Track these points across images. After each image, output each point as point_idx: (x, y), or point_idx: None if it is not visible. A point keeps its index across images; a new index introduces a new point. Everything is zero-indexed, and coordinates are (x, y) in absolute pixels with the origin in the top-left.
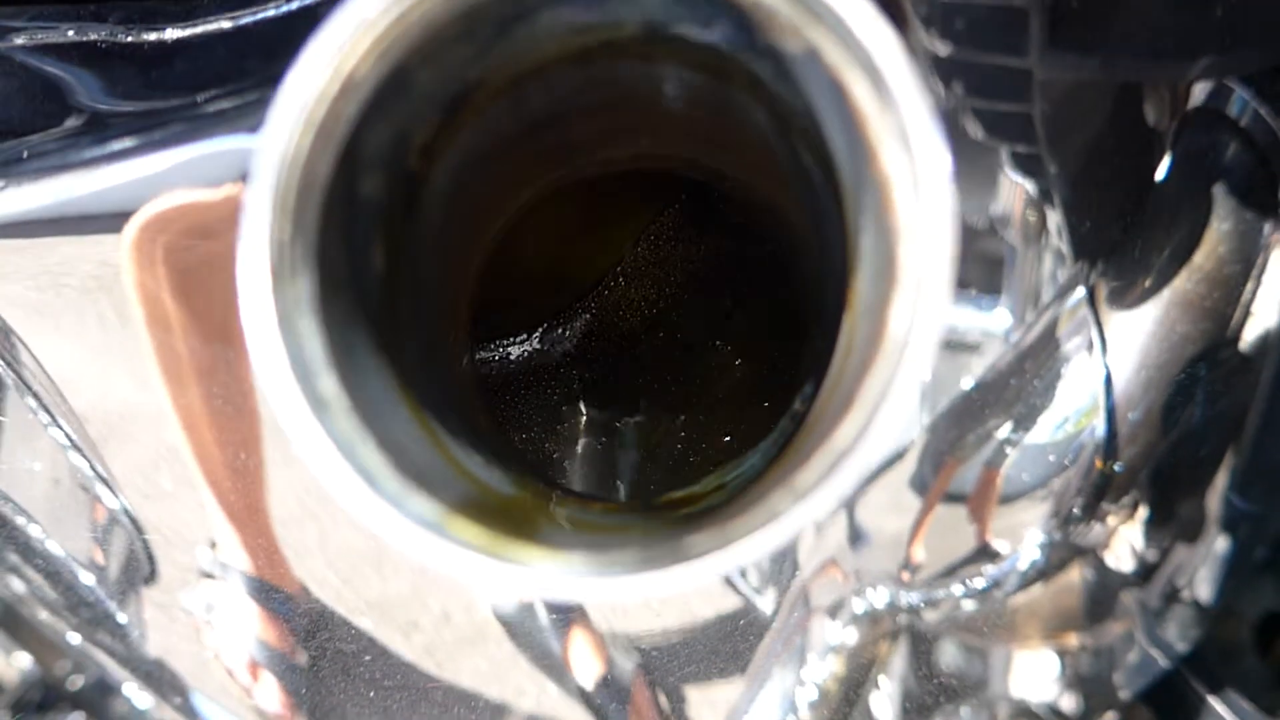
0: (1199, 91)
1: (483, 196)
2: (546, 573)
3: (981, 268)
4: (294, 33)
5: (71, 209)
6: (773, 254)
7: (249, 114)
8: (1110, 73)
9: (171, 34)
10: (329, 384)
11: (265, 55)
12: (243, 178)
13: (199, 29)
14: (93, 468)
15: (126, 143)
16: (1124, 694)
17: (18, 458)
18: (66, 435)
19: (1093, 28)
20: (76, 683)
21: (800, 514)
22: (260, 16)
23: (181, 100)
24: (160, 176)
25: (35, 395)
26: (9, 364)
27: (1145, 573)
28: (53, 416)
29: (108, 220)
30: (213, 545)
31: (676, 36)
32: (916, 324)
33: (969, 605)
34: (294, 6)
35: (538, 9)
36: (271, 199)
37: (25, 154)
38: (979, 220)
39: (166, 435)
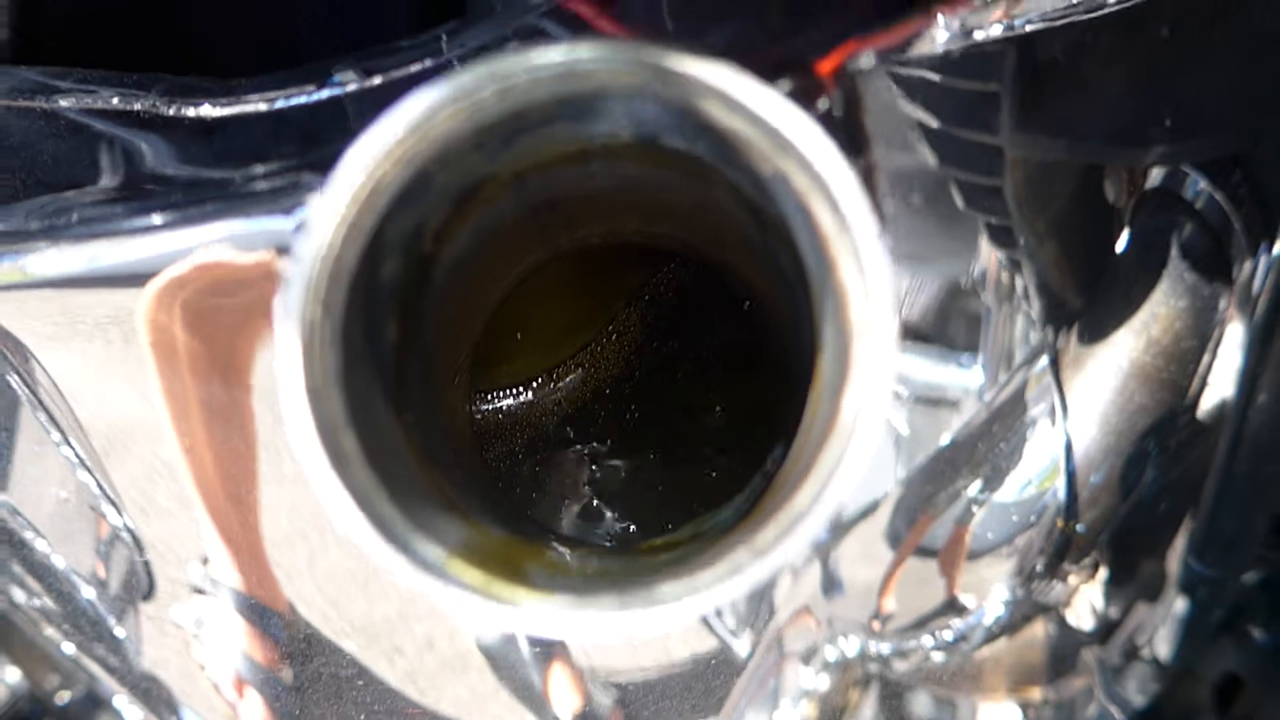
0: (1156, 173)
1: (485, 270)
2: (533, 612)
3: (963, 326)
4: (323, 119)
5: (105, 271)
6: (753, 324)
7: (281, 196)
8: (1073, 154)
9: (210, 111)
10: (349, 441)
11: (298, 139)
12: (269, 248)
13: (236, 109)
14: (99, 486)
15: (164, 217)
16: None
17: (28, 474)
18: (76, 454)
19: (1058, 112)
20: (64, 697)
21: (759, 568)
22: (294, 102)
23: (218, 174)
24: (196, 249)
25: (48, 413)
26: (24, 381)
27: (1105, 631)
28: (64, 435)
29: (138, 279)
30: (205, 561)
31: (665, 146)
32: (864, 410)
33: (938, 657)
34: (324, 95)
35: (540, 124)
36: (305, 286)
37: (69, 219)
38: (964, 280)
39: (164, 451)
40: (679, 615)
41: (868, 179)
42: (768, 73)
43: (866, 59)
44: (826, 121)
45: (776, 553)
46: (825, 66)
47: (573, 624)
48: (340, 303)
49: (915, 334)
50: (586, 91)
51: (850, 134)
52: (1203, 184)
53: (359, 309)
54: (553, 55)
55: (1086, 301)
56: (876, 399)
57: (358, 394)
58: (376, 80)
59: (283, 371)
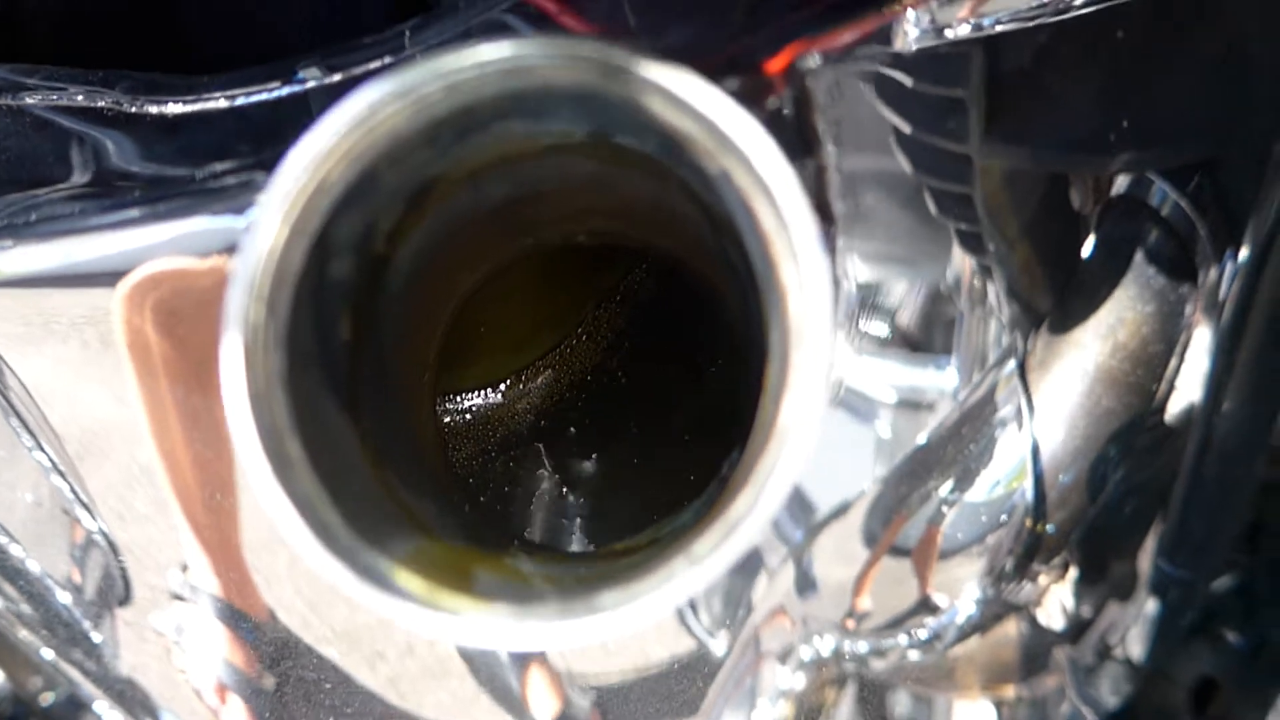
0: (1122, 180)
1: (445, 270)
2: (473, 622)
3: (940, 329)
4: (284, 116)
5: (71, 269)
6: (719, 325)
7: (239, 194)
8: (1039, 162)
9: (173, 108)
10: (294, 447)
11: (257, 136)
12: (229, 250)
13: (198, 106)
14: (73, 490)
15: (129, 213)
16: None
17: (1, 479)
18: (49, 458)
19: (1023, 121)
20: (48, 699)
21: (695, 576)
22: (255, 99)
23: (180, 172)
24: (157, 246)
25: (20, 418)
26: None
27: (1077, 630)
28: (36, 440)
29: (104, 278)
30: (184, 568)
31: (617, 144)
32: (799, 418)
33: (913, 655)
34: (285, 92)
35: (492, 120)
36: (247, 288)
37: (34, 216)
38: (941, 284)
39: (141, 455)
40: (617, 624)
41: (819, 179)
42: (718, 71)
43: (816, 58)
44: (775, 121)
45: (712, 560)
46: (774, 65)
47: (512, 635)
48: (286, 304)
49: (898, 337)
50: (533, 87)
51: (801, 133)
52: (1168, 191)
53: (307, 310)
54: (499, 50)
55: (1054, 306)
56: (810, 405)
57: (305, 397)
58: (337, 77)
59: (225, 375)
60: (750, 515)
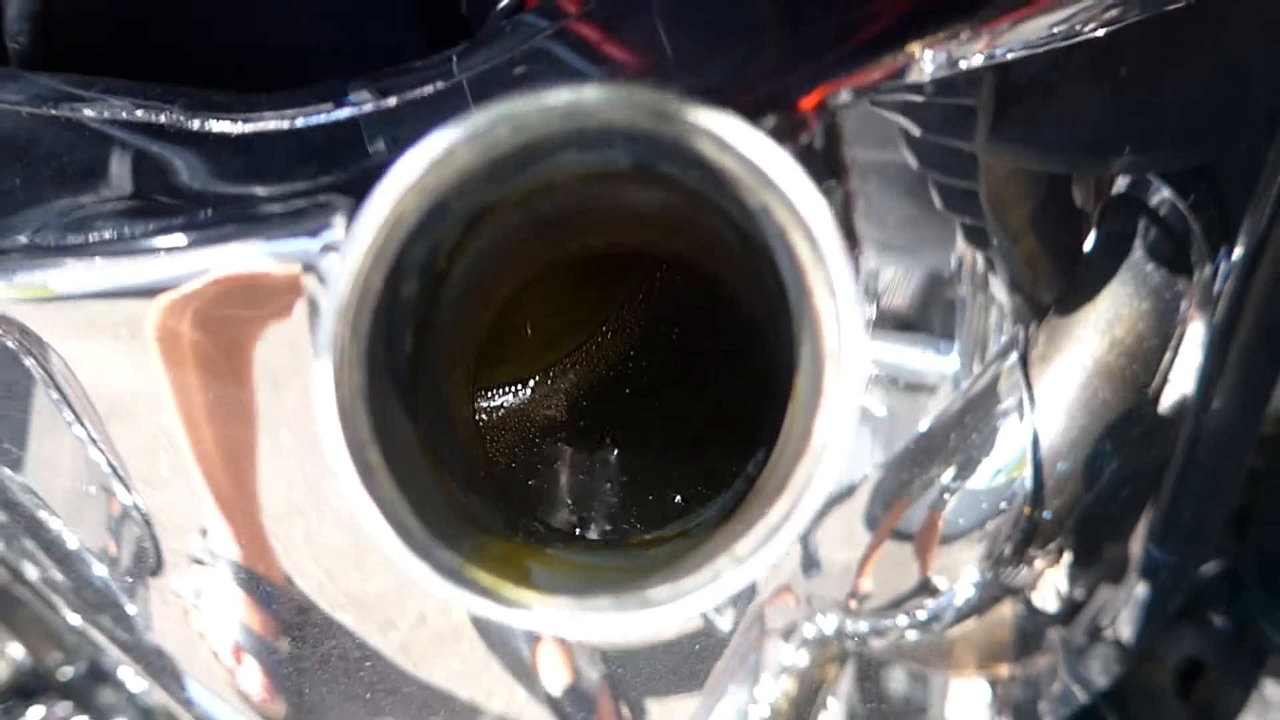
0: (1122, 180)
1: (492, 280)
2: (541, 613)
3: (941, 313)
4: (340, 138)
5: (124, 288)
6: (741, 328)
7: (304, 218)
8: (1043, 163)
9: (231, 128)
10: (374, 455)
11: (318, 158)
12: (305, 267)
13: (257, 126)
14: (110, 465)
15: (186, 236)
16: None
17: (42, 453)
18: (88, 432)
19: (1030, 125)
20: (66, 673)
21: (739, 575)
22: (312, 121)
23: (239, 190)
24: (209, 270)
25: (60, 392)
26: (39, 362)
27: (1070, 613)
28: (76, 414)
29: (153, 292)
30: (204, 533)
31: (662, 173)
32: (832, 435)
33: (912, 635)
34: (341, 115)
35: (548, 155)
36: (338, 311)
37: (96, 236)
38: (944, 268)
39: (165, 422)
40: (666, 616)
41: (846, 205)
42: (754, 109)
43: (846, 95)
44: (807, 154)
45: (754, 561)
46: (807, 103)
47: (575, 624)
48: (367, 325)
49: (898, 320)
50: (591, 127)
51: (830, 164)
52: (1166, 192)
53: (382, 330)
54: (561, 96)
55: (1055, 301)
56: (845, 423)
57: (381, 409)
58: (391, 101)
59: (317, 393)
60: (788, 521)
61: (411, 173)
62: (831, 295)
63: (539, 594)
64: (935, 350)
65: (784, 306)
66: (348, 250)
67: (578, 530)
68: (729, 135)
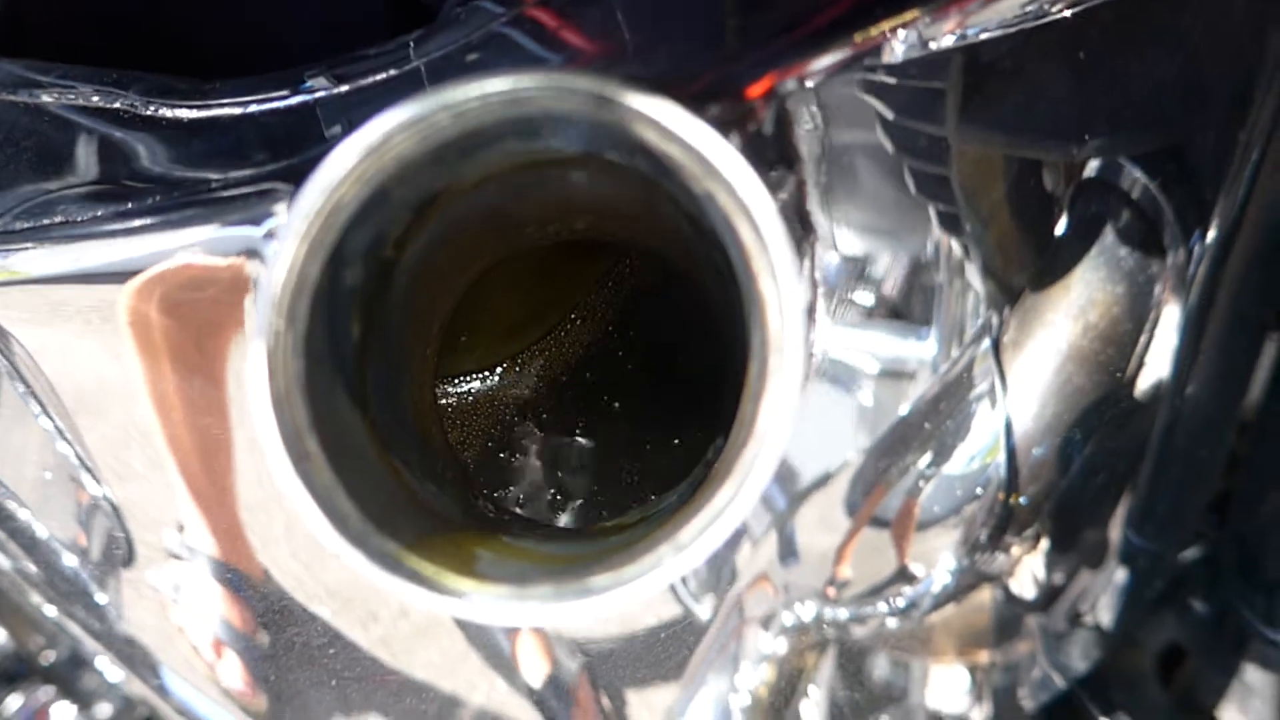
0: (1093, 163)
1: (446, 268)
2: (476, 602)
3: (920, 298)
4: (294, 123)
5: (88, 270)
6: (705, 315)
7: (252, 204)
8: (1013, 147)
9: (186, 113)
10: (312, 443)
11: (270, 144)
12: (246, 254)
13: (211, 111)
14: (78, 456)
15: (144, 219)
16: (1027, 707)
17: (9, 444)
18: (55, 425)
19: (999, 108)
20: (49, 657)
21: (680, 563)
22: (266, 107)
23: (195, 175)
24: (171, 251)
25: (27, 384)
26: (2, 352)
27: (1048, 599)
28: (43, 406)
29: (118, 276)
30: (180, 528)
31: (609, 160)
32: (773, 422)
33: (891, 622)
34: (295, 101)
35: (494, 141)
36: (270, 302)
37: (52, 218)
38: (922, 254)
39: (137, 415)
40: (607, 605)
41: (799, 192)
42: (699, 98)
43: (793, 83)
44: (756, 141)
45: (694, 548)
46: (755, 90)
47: (512, 614)
48: (304, 313)
49: (878, 307)
50: (533, 115)
51: (781, 152)
52: (1138, 174)
53: (321, 317)
54: (501, 84)
55: (1025, 285)
56: (786, 410)
57: (321, 396)
58: (345, 88)
59: (251, 382)
60: (729, 507)
61: (348, 160)
62: (774, 281)
63: (478, 582)
64: (915, 336)
65: (736, 296)
66: (282, 237)
67: (542, 518)
68: (670, 122)
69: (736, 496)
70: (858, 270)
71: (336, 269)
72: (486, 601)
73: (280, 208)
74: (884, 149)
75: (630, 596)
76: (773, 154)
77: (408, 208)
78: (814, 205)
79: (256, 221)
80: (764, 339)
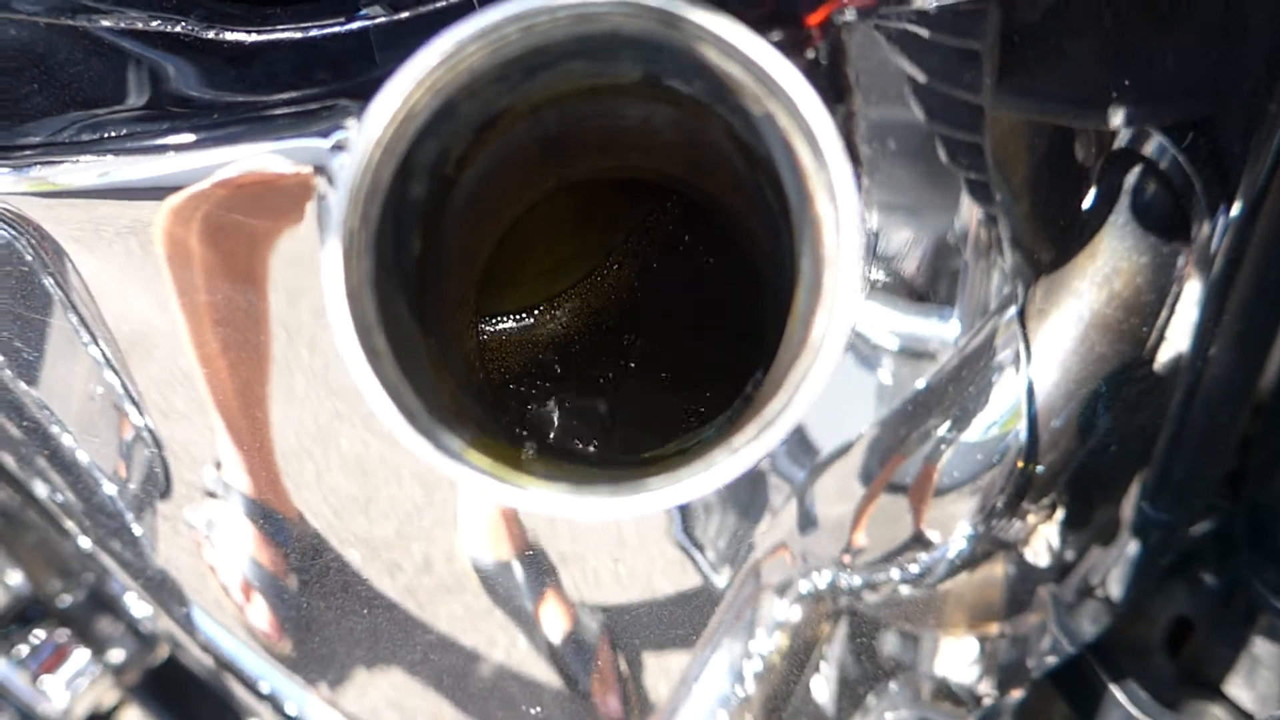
0: (1123, 135)
1: (498, 195)
2: (540, 494)
3: (945, 279)
4: (350, 50)
5: (129, 184)
6: (744, 258)
7: (316, 120)
8: (1045, 114)
9: (245, 37)
10: (380, 341)
11: (328, 67)
12: (314, 169)
13: (271, 35)
14: (124, 386)
15: (196, 135)
16: (1034, 674)
17: (58, 371)
18: (103, 354)
19: (1033, 75)
20: (65, 600)
21: (732, 464)
22: (326, 31)
23: (250, 98)
24: (217, 168)
25: (78, 314)
26: (58, 283)
27: (1061, 569)
28: (93, 335)
29: (159, 193)
30: (218, 466)
31: (668, 86)
32: (830, 331)
33: (904, 590)
34: (353, 26)
35: (557, 61)
36: (347, 197)
37: (109, 134)
38: (949, 234)
39: (182, 359)
40: (662, 501)
41: (847, 124)
42: (761, 24)
43: (850, 12)
44: (812, 70)
45: (747, 451)
46: (813, 19)
47: (572, 506)
48: (375, 215)
49: (905, 289)
50: (600, 32)
51: (834, 81)
52: (1166, 147)
53: (390, 223)
54: (570, 1)
55: (1053, 255)
56: (843, 321)
57: (387, 299)
58: (403, 15)
59: (326, 274)
60: (783, 414)
61: (423, 68)
62: (832, 200)
63: (537, 480)
64: (938, 317)
65: (785, 221)
66: (359, 140)
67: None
68: (734, 40)
69: (789, 405)
70: (882, 247)
71: (405, 178)
72: (548, 494)
73: (351, 122)
74: (911, 125)
75: (685, 495)
76: (825, 83)
77: (471, 126)
78: (861, 139)
79: (324, 134)
80: (817, 258)
